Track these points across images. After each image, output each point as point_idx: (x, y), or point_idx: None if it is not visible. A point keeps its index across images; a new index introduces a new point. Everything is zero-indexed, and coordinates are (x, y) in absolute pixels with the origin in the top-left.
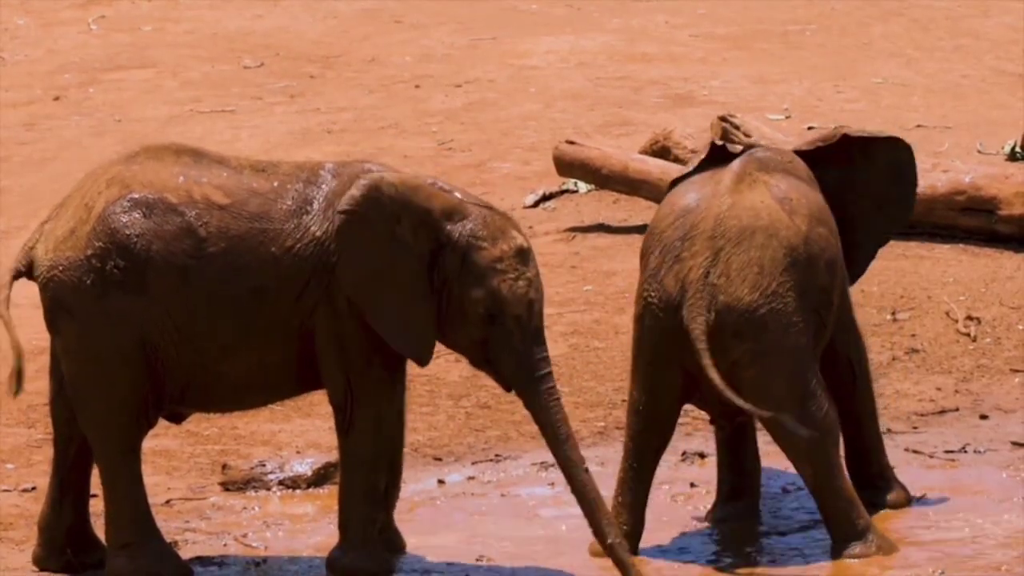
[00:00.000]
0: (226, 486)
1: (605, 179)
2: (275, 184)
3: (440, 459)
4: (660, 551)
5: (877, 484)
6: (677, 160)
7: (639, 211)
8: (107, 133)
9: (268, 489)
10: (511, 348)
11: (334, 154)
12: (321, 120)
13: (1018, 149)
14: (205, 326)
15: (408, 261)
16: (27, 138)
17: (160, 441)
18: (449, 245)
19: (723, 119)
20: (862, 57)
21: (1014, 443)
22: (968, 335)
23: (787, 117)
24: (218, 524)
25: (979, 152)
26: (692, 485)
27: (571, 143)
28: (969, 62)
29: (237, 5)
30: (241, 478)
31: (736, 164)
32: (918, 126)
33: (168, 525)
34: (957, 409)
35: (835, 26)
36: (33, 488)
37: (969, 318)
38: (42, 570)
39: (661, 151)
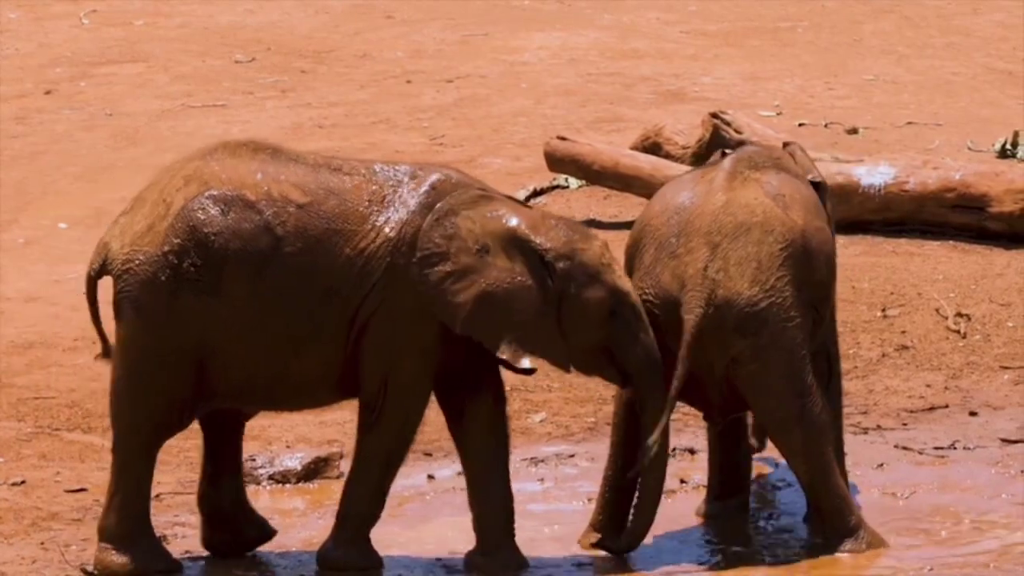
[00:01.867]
0: None
1: (596, 175)
2: (352, 184)
3: (430, 454)
4: (649, 547)
5: None
6: (668, 156)
7: (630, 207)
8: (98, 127)
9: (258, 484)
10: (636, 339)
11: (325, 149)
12: (312, 115)
13: (1008, 146)
14: (274, 325)
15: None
16: (18, 132)
17: None
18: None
19: (714, 116)
20: (853, 54)
21: (1003, 440)
22: (958, 332)
23: (778, 114)
24: None
25: (969, 149)
26: (682, 481)
27: (562, 139)
28: (960, 60)
29: (229, 0)
30: None
31: (727, 163)
32: (909, 123)
33: (158, 519)
34: (947, 406)
35: (826, 23)
36: (23, 482)
37: (959, 315)
38: (209, 550)
39: (652, 147)
